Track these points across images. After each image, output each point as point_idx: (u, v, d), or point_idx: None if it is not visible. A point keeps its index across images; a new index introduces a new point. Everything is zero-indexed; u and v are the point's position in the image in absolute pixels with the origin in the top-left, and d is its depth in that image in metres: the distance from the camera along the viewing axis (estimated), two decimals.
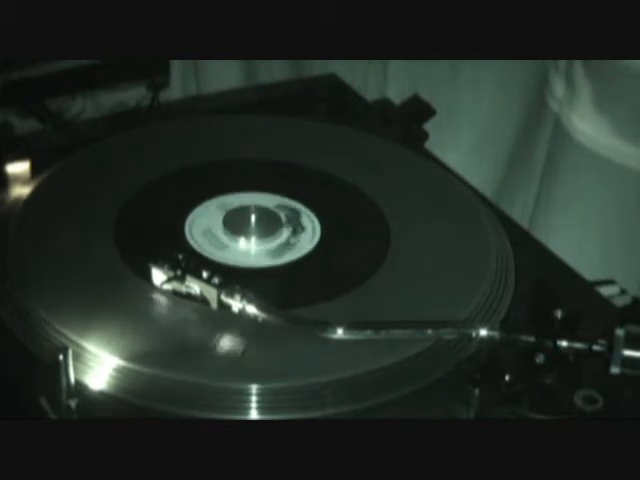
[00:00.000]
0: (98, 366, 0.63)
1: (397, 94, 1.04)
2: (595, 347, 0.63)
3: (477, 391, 0.62)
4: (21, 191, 0.78)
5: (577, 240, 1.01)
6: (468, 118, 1.09)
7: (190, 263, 0.68)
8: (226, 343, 0.64)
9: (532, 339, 0.64)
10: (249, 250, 0.74)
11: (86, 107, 0.97)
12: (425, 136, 0.92)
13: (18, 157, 0.80)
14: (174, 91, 1.09)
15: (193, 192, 0.79)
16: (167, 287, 0.68)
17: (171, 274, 0.67)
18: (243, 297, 0.66)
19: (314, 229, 0.76)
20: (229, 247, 0.74)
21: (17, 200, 0.77)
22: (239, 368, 0.63)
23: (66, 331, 0.64)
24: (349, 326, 0.65)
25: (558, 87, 1.01)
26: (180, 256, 0.68)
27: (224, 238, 0.74)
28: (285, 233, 0.75)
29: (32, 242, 0.73)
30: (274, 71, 1.12)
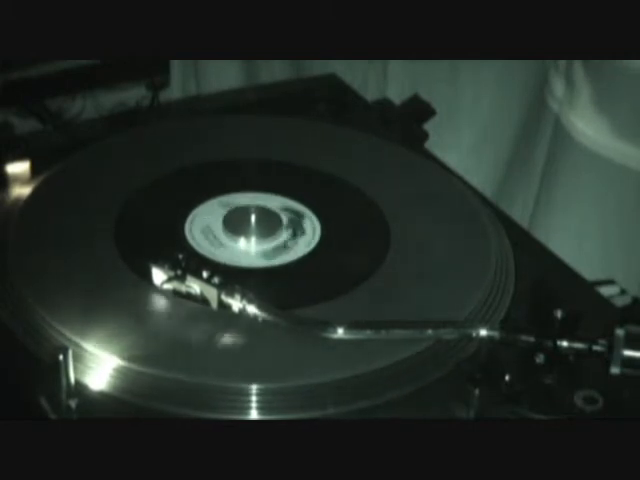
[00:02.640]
0: (98, 366, 0.63)
1: (397, 94, 1.04)
2: (595, 347, 0.63)
3: (477, 391, 0.62)
4: (21, 191, 0.78)
5: (577, 240, 1.01)
6: (468, 118, 1.09)
7: (190, 263, 0.68)
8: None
9: (532, 339, 0.64)
10: (249, 250, 0.74)
11: (86, 107, 0.97)
12: (425, 136, 0.92)
13: (18, 157, 0.80)
14: (174, 91, 1.09)
15: (193, 192, 0.78)
16: (167, 287, 0.68)
17: (171, 274, 0.67)
18: (243, 297, 0.66)
19: (314, 229, 0.76)
20: (229, 247, 0.74)
21: (17, 200, 0.77)
22: (239, 368, 0.63)
23: (66, 331, 0.64)
24: (349, 326, 0.65)
25: (558, 87, 1.01)
26: (180, 256, 0.68)
27: (224, 238, 0.74)
28: (285, 233, 0.75)
29: (32, 242, 0.72)
30: (274, 71, 1.12)
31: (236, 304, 0.66)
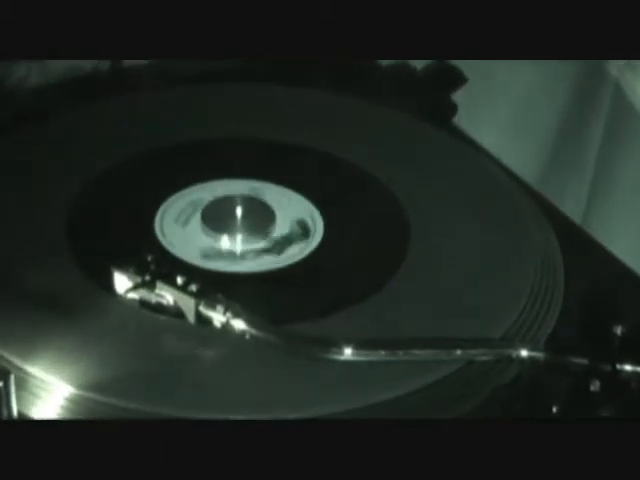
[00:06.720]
0: (47, 395, 0.63)
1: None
2: None
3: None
4: None
5: None
6: (506, 86, 1.09)
7: (161, 266, 0.68)
8: None
9: (585, 362, 0.64)
10: (234, 251, 0.74)
11: (31, 73, 0.97)
12: (453, 109, 0.92)
13: None
14: None
15: (166, 179, 0.79)
16: (133, 296, 0.68)
17: (138, 280, 0.68)
18: (227, 309, 0.66)
19: (316, 226, 0.76)
20: (209, 247, 0.74)
21: None
22: (220, 399, 0.63)
23: (7, 354, 0.64)
24: (358, 345, 0.65)
25: None
26: (149, 257, 0.68)
27: (203, 236, 0.74)
28: (279, 230, 0.75)
29: None
30: None
31: (218, 317, 0.66)
